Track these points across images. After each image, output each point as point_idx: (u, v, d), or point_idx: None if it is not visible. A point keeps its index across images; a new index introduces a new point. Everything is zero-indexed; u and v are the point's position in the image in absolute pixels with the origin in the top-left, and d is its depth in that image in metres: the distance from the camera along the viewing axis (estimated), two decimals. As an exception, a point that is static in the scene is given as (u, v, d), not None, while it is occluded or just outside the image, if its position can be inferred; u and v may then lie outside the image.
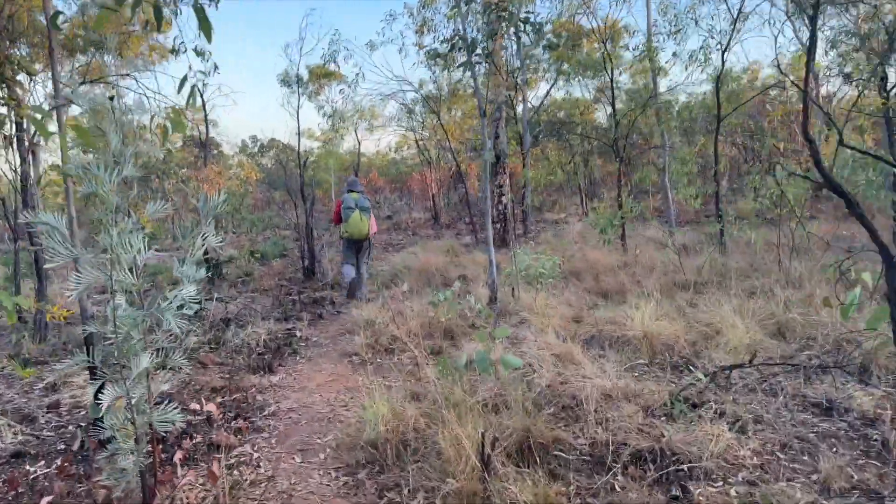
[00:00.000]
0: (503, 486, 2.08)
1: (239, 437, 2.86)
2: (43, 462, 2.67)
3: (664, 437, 2.44)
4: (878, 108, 6.62)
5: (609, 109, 14.20)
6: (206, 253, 2.10)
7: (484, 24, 5.15)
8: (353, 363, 4.15)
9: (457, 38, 4.96)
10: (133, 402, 1.95)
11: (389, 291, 6.11)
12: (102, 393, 1.91)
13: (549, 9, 20.95)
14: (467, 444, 2.22)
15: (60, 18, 2.45)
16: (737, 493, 2.09)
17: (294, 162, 14.08)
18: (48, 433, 3.03)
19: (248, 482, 2.42)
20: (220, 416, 3.12)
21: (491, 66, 6.03)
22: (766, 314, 4.06)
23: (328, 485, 2.40)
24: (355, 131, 18.78)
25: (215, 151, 20.64)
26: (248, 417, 3.15)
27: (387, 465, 2.45)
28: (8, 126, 4.83)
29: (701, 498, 2.07)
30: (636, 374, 3.32)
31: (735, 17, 7.11)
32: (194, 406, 2.89)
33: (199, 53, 3.23)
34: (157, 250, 1.99)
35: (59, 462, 2.58)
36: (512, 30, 5.23)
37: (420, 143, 18.02)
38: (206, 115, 11.69)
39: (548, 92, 13.82)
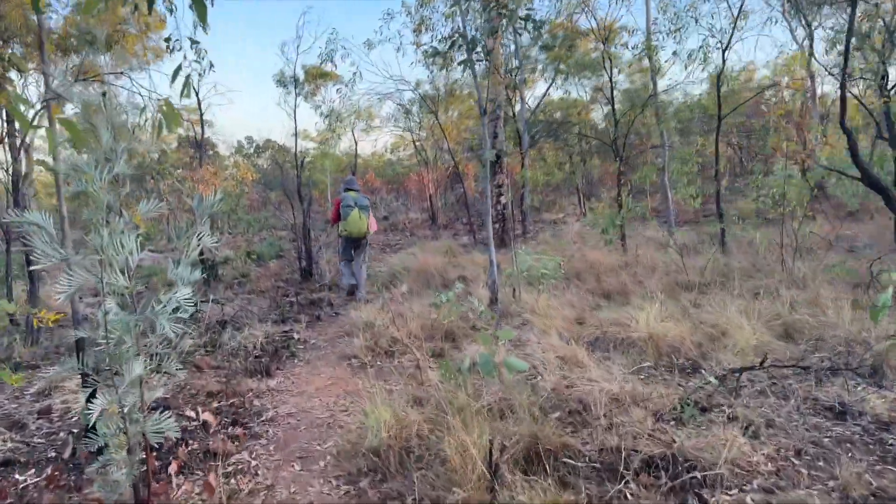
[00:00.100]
0: (512, 495, 2.01)
1: (236, 444, 2.77)
2: (33, 470, 2.57)
3: (675, 442, 2.36)
4: (877, 107, 6.59)
5: (606, 109, 14.20)
6: (201, 254, 2.03)
7: (484, 21, 5.08)
8: (352, 366, 4.06)
9: (457, 35, 4.89)
10: (126, 410, 1.86)
11: (388, 293, 6.03)
12: (94, 400, 1.83)
13: (549, 7, 20.97)
14: (474, 452, 2.14)
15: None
16: (753, 500, 2.03)
17: (290, 163, 13.99)
18: (39, 440, 2.93)
19: (245, 491, 2.33)
20: (217, 422, 3.03)
21: (490, 65, 5.96)
22: (772, 315, 3.99)
23: (329, 494, 2.32)
24: (352, 132, 18.72)
25: (211, 152, 20.51)
26: (245, 423, 3.06)
27: (390, 473, 2.37)
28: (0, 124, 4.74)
29: (717, 507, 2.00)
30: (643, 377, 3.25)
31: (736, 15, 7.07)
32: (190, 413, 2.81)
33: (195, 42, 3.16)
34: (151, 251, 1.91)
35: (49, 471, 2.49)
36: (511, 28, 5.16)
37: (417, 143, 17.94)
38: (201, 115, 11.55)
39: (546, 91, 13.77)
